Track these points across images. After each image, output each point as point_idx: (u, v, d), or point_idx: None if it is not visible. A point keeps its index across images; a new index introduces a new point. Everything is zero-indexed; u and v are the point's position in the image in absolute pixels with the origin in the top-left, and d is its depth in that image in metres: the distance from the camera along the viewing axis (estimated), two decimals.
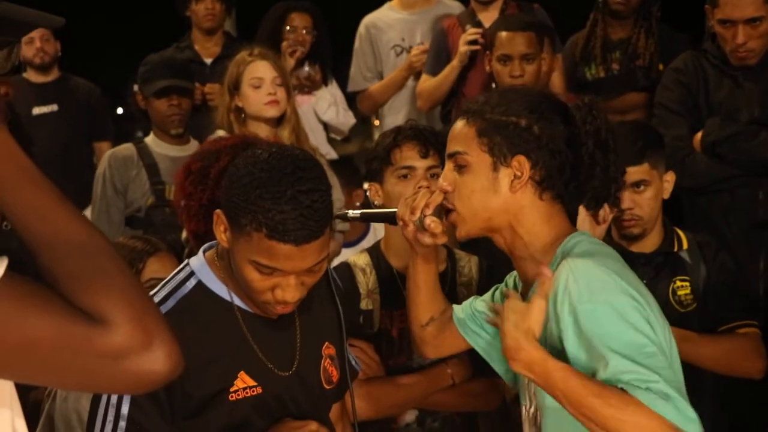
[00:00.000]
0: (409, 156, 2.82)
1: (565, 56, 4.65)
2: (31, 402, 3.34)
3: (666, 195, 3.09)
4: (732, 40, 3.69)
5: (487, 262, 3.03)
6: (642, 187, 3.01)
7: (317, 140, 4.65)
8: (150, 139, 4.30)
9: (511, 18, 4.33)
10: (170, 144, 4.28)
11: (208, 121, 4.22)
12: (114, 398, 2.00)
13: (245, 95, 3.89)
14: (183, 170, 2.23)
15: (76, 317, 1.17)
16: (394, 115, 5.00)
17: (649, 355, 1.83)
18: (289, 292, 1.99)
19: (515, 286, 2.21)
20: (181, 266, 2.13)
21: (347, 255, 3.39)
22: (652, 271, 3.07)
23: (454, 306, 2.34)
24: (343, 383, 2.28)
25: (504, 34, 4.02)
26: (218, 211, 2.00)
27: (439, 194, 2.09)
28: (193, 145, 4.27)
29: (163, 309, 2.03)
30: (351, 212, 2.30)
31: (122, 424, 1.98)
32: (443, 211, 2.10)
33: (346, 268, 2.89)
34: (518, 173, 1.99)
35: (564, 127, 2.00)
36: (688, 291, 3.05)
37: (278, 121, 3.92)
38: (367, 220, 2.40)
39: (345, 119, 4.88)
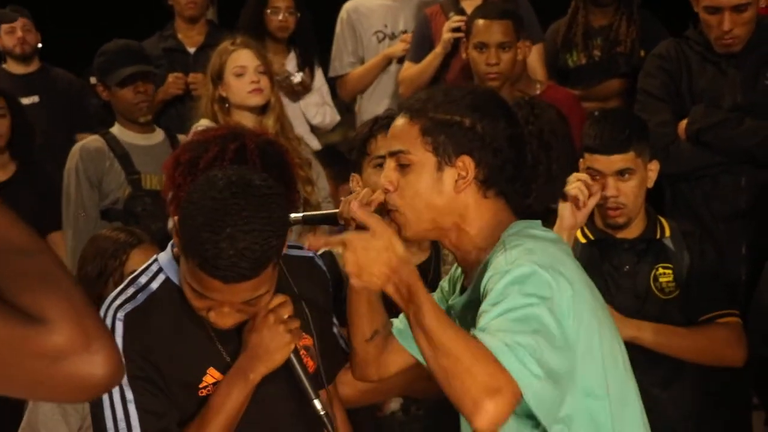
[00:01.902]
0: (384, 145, 2.71)
1: (546, 44, 4.64)
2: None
3: (650, 184, 3.09)
4: (718, 27, 3.68)
5: None
6: (627, 176, 3.01)
7: (300, 131, 4.65)
8: (116, 130, 4.21)
9: (489, 6, 4.32)
10: (138, 133, 4.20)
11: (193, 111, 4.20)
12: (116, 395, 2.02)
13: (229, 84, 3.87)
14: (172, 161, 2.22)
15: (14, 316, 1.15)
16: (375, 104, 4.99)
17: (523, 321, 1.79)
18: (221, 319, 2.01)
19: (454, 282, 2.17)
20: (150, 262, 2.15)
21: None
22: (635, 257, 3.08)
23: (393, 320, 2.28)
24: (326, 369, 2.26)
25: (481, 21, 4.01)
26: (176, 218, 2.01)
27: (380, 193, 2.05)
28: (159, 133, 4.25)
29: (132, 305, 2.06)
30: (293, 215, 2.25)
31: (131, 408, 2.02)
32: (385, 210, 2.06)
33: (329, 256, 2.88)
34: (463, 173, 1.97)
35: (506, 125, 1.99)
36: (670, 278, 3.06)
37: (263, 110, 3.90)
38: (309, 223, 2.38)
39: (331, 119, 4.89)
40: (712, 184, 3.76)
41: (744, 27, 3.69)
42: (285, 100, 4.62)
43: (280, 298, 2.09)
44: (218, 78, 3.90)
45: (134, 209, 4.01)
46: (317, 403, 2.13)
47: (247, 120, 3.75)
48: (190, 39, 4.97)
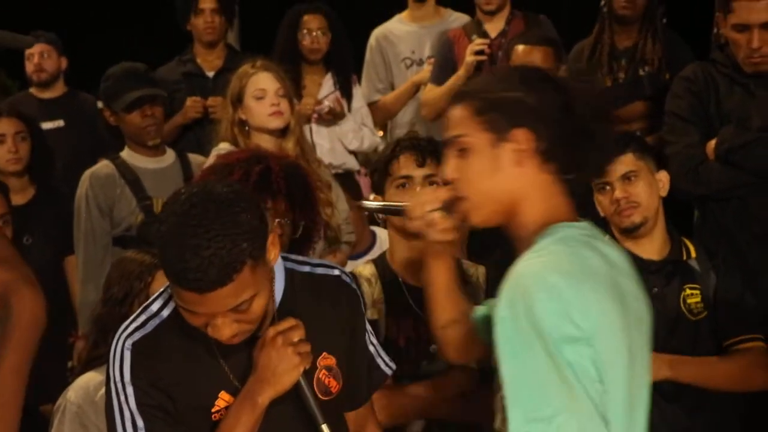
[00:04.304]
0: (406, 166, 2.89)
1: (570, 65, 4.61)
2: (41, 414, 3.34)
3: (663, 193, 3.13)
4: (747, 45, 3.63)
5: (495, 272, 3.02)
6: (633, 179, 3.07)
7: (336, 152, 4.66)
8: (126, 154, 4.17)
9: (529, 33, 4.36)
10: (148, 156, 4.17)
11: (212, 134, 4.17)
12: (126, 412, 2.04)
13: (248, 107, 3.85)
14: None
15: None
16: (400, 128, 5.01)
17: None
18: (219, 332, 1.98)
19: None
20: (163, 289, 2.13)
21: (355, 266, 3.35)
22: (664, 280, 3.07)
23: (477, 307, 2.28)
24: (358, 389, 2.24)
25: (521, 47, 4.01)
26: None
27: (445, 190, 2.06)
28: (170, 155, 4.22)
29: (141, 333, 2.06)
30: (367, 203, 2.46)
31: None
32: (451, 207, 2.06)
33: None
34: (521, 146, 1.95)
35: (557, 95, 1.97)
36: (698, 299, 3.06)
37: (282, 133, 3.88)
38: (379, 211, 2.58)
39: (370, 143, 4.83)
40: (743, 204, 3.71)
41: None
42: (320, 126, 4.64)
43: (290, 322, 2.06)
44: (238, 101, 3.87)
45: (147, 236, 3.95)
46: (325, 428, 2.09)
47: (267, 143, 3.73)
48: (209, 63, 4.97)
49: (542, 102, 1.95)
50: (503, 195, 1.96)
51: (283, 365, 2.02)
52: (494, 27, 4.68)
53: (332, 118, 4.72)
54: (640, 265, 3.04)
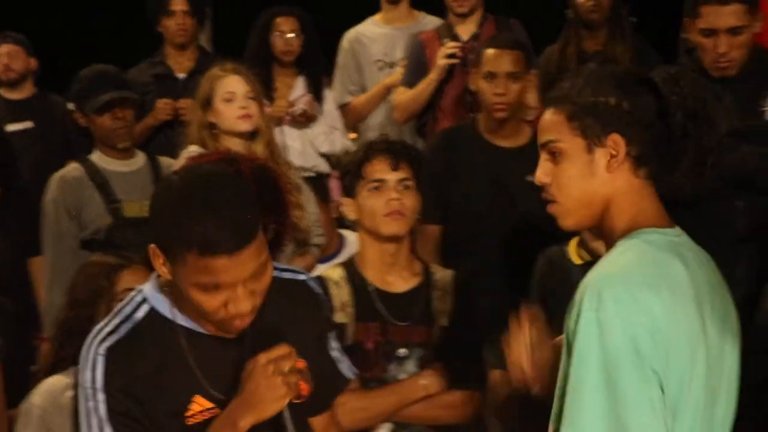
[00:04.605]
0: (380, 169, 2.88)
1: (540, 70, 4.63)
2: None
3: None
4: (713, 50, 3.68)
5: (464, 276, 3.03)
6: None
7: (307, 155, 4.66)
8: (96, 157, 4.14)
9: (499, 37, 4.33)
10: (118, 159, 4.14)
11: (182, 136, 4.16)
12: (94, 419, 2.03)
13: (218, 110, 3.83)
14: None
15: None
16: (371, 130, 5.01)
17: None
18: (240, 304, 1.98)
19: None
20: (135, 292, 2.13)
21: (322, 269, 3.36)
22: None
23: None
24: (322, 395, 2.23)
25: (491, 51, 3.98)
26: (152, 245, 1.99)
27: (522, 336, 2.13)
28: (140, 158, 4.20)
29: (114, 338, 2.04)
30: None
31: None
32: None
33: (319, 281, 2.86)
34: (614, 152, 1.94)
35: (653, 99, 1.97)
36: None
37: (251, 136, 3.87)
38: None
39: (342, 145, 4.83)
40: (711, 208, 3.72)
41: (739, 50, 3.68)
42: (292, 129, 4.63)
43: (283, 349, 2.05)
44: (207, 104, 3.86)
45: (115, 240, 3.93)
46: None
47: (236, 146, 3.71)
48: (180, 65, 4.95)
49: (637, 107, 1.94)
50: (595, 200, 1.96)
51: (271, 394, 2.02)
52: (466, 30, 4.68)
53: (305, 120, 4.72)
54: None
